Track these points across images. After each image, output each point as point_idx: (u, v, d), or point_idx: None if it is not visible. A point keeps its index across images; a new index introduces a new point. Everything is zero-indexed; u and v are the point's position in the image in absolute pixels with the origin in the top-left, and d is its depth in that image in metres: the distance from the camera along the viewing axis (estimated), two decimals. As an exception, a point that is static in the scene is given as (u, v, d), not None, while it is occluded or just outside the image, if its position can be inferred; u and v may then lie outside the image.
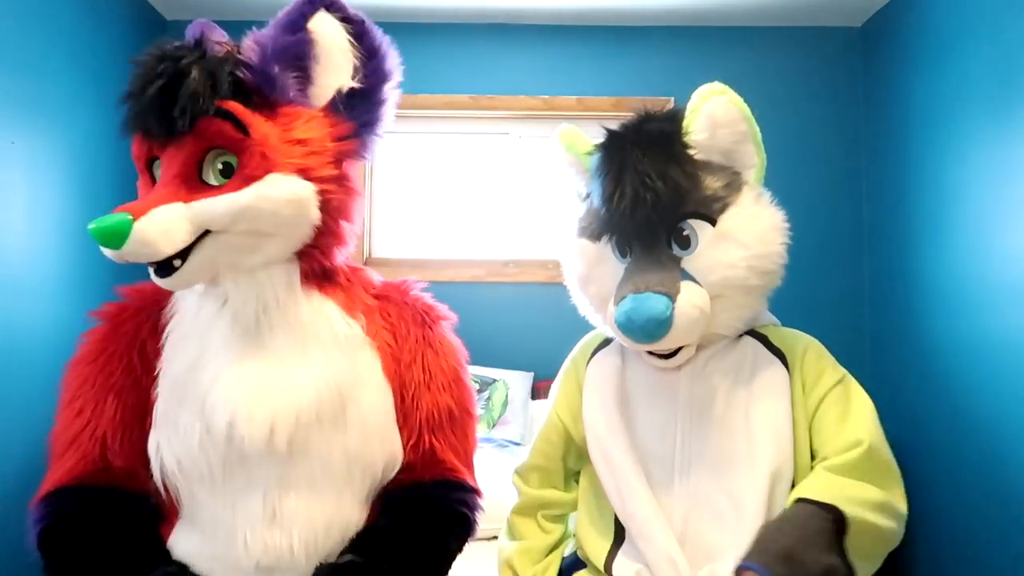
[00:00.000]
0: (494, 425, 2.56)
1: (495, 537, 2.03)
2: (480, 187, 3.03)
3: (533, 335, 2.76)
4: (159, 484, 1.04)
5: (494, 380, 2.66)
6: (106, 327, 1.11)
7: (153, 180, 1.05)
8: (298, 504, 1.04)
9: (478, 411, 2.51)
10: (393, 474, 1.12)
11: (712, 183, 1.13)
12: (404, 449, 1.12)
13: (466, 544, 1.16)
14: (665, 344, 1.11)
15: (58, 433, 1.08)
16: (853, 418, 1.11)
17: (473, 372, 2.60)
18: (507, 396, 2.63)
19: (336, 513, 1.06)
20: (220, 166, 1.01)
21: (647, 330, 1.07)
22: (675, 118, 1.16)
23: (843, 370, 1.18)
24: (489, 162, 3.03)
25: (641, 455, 1.16)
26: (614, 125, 1.17)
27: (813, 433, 1.13)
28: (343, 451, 1.06)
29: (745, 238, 1.11)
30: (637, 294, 1.08)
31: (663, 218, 1.11)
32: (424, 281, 1.24)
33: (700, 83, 1.18)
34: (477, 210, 3.02)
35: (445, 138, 3.03)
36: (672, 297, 1.08)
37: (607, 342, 1.29)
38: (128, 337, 1.09)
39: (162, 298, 1.11)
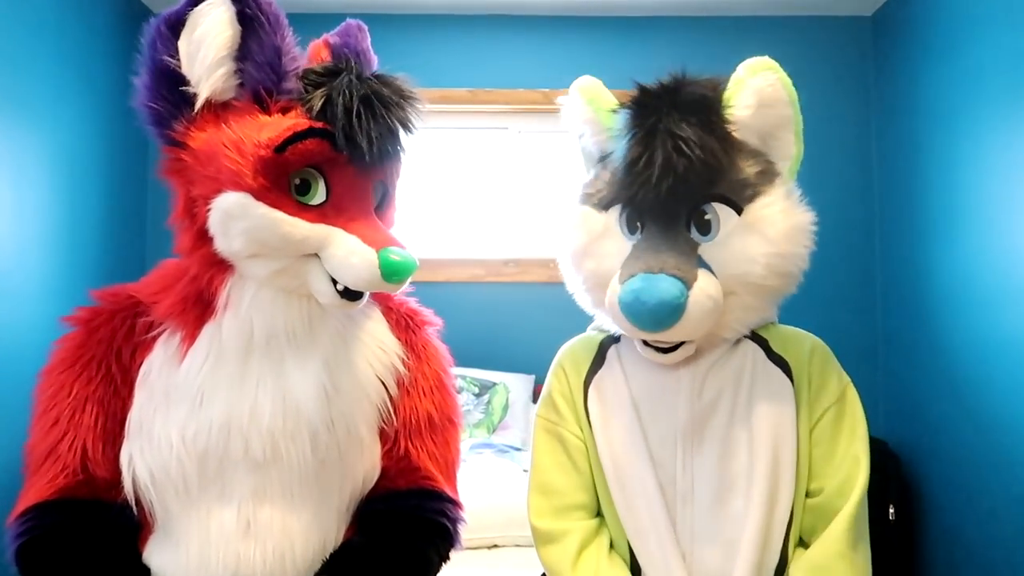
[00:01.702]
0: (494, 430, 2.51)
1: (496, 545, 2.00)
2: (479, 183, 2.97)
3: (534, 337, 2.69)
4: (131, 497, 1.01)
5: (494, 383, 2.61)
6: (80, 333, 1.06)
7: (293, 195, 0.97)
8: (273, 515, 1.00)
9: (478, 416, 2.50)
10: (373, 483, 1.09)
11: (747, 167, 1.02)
12: (381, 455, 1.09)
13: (449, 555, 1.11)
14: (672, 335, 0.99)
15: (34, 445, 1.04)
16: (846, 442, 1.05)
17: (473, 375, 2.59)
18: (507, 400, 2.58)
19: (313, 524, 1.03)
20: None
21: (657, 315, 0.95)
22: (716, 87, 1.04)
23: (847, 378, 1.10)
24: (488, 157, 2.98)
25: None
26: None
27: (813, 444, 1.05)
28: (321, 460, 1.02)
29: (771, 233, 1.00)
30: (650, 274, 0.96)
31: (689, 195, 0.99)
32: (413, 284, 1.17)
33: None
34: (476, 207, 2.96)
35: (442, 133, 2.98)
36: (688, 283, 0.96)
37: (600, 358, 1.14)
38: (105, 343, 1.04)
39: (137, 302, 1.06)
